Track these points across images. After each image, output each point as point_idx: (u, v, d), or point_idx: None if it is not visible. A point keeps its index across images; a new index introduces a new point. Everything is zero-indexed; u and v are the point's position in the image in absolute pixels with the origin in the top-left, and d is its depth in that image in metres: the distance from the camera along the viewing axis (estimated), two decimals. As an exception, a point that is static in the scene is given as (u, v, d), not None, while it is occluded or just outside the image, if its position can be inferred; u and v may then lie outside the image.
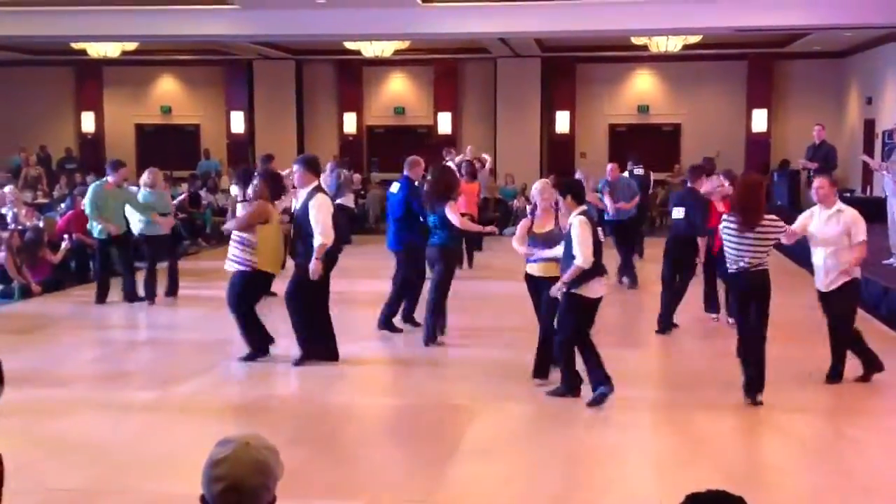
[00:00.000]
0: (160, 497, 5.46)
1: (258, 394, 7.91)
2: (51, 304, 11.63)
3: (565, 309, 7.01)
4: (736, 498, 2.35)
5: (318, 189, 8.34)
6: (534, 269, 7.65)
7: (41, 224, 13.03)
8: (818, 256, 7.63)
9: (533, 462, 6.06)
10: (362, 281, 12.71)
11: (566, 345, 7.09)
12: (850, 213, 7.56)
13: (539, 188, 7.83)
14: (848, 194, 19.21)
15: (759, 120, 22.48)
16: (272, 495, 2.46)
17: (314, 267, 8.06)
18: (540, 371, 7.65)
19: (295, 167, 8.62)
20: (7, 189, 14.32)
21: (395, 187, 10.15)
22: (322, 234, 8.05)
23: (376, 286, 12.40)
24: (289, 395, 7.77)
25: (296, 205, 8.58)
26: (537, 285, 7.65)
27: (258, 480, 2.42)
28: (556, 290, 6.99)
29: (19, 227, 12.77)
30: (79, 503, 5.43)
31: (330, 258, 8.39)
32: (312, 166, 8.43)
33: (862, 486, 5.66)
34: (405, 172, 10.08)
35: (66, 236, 12.83)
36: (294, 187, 9.09)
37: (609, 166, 13.58)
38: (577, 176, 12.63)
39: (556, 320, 7.14)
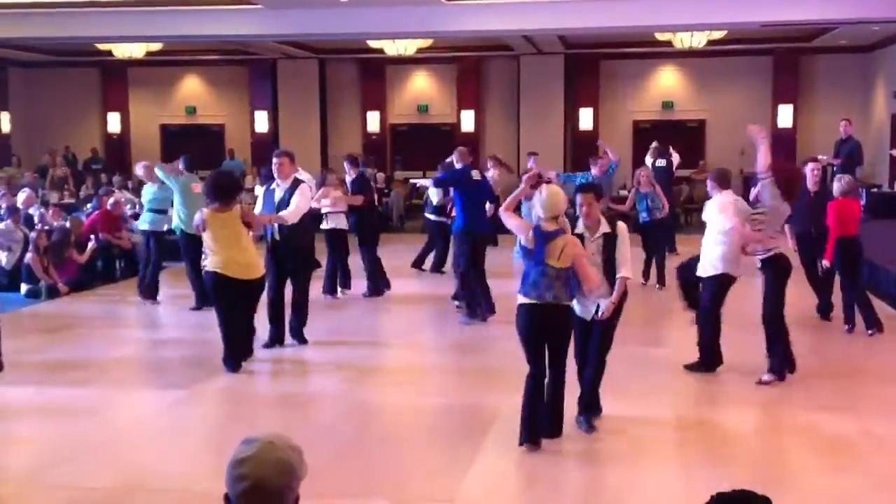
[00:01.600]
0: (187, 496, 5.49)
1: (284, 392, 7.95)
2: (77, 304, 11.72)
3: (612, 323, 6.47)
4: (761, 497, 2.34)
5: (300, 180, 9.12)
6: None
7: (68, 224, 13.13)
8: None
9: (558, 462, 6.04)
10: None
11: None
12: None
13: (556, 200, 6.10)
14: (875, 189, 19.04)
15: (785, 115, 22.29)
16: (296, 494, 2.46)
17: (268, 219, 8.73)
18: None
19: (278, 160, 9.04)
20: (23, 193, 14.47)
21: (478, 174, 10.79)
22: (292, 213, 8.68)
23: (402, 285, 12.43)
24: (314, 393, 7.79)
25: (278, 195, 8.90)
26: None
27: (282, 480, 2.43)
28: (609, 311, 6.29)
29: (46, 228, 12.88)
30: (109, 501, 5.47)
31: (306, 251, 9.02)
32: (294, 158, 9.21)
33: (888, 485, 5.61)
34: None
35: (92, 236, 12.93)
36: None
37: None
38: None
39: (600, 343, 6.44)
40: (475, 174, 10.62)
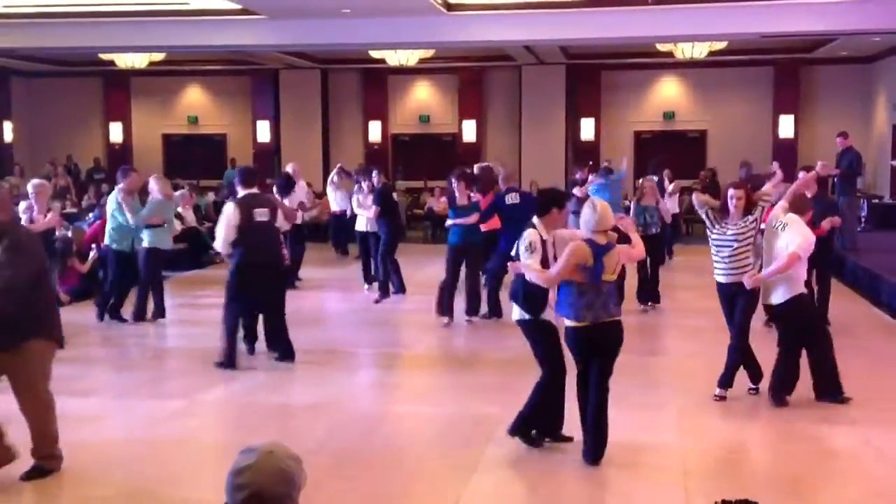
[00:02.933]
0: (186, 505, 5.50)
1: (283, 402, 7.95)
2: (79, 313, 11.71)
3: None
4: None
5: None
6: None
7: (69, 234, 13.13)
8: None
9: (559, 471, 6.04)
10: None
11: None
12: None
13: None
14: (876, 201, 19.07)
15: (786, 126, 22.33)
16: (295, 504, 2.48)
17: None
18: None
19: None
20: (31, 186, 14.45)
21: (515, 198, 10.55)
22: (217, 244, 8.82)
23: (401, 295, 12.47)
24: (314, 404, 7.79)
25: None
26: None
27: (281, 489, 2.44)
28: None
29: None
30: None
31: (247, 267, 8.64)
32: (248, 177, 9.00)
33: (888, 494, 5.61)
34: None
35: (93, 246, 12.94)
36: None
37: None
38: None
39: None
40: (509, 198, 10.47)
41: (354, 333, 10.77)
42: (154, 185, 11.22)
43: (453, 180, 11.00)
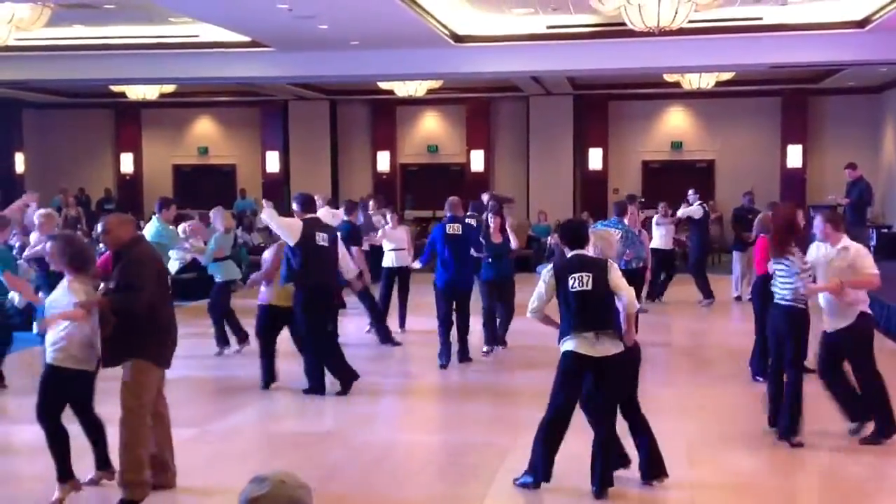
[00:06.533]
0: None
1: (293, 430, 7.94)
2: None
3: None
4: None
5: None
6: None
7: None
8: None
9: (568, 498, 6.01)
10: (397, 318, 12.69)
11: None
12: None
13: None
14: (885, 230, 19.03)
15: (794, 155, 22.35)
16: (306, 533, 2.48)
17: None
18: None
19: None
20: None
21: (456, 229, 10.22)
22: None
23: (413, 323, 12.46)
24: (324, 432, 7.78)
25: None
26: None
27: (295, 518, 2.45)
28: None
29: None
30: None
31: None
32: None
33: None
34: (458, 214, 10.49)
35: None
36: None
37: None
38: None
39: None
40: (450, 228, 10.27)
41: (360, 364, 10.75)
42: (216, 219, 11.36)
43: (490, 216, 10.89)
